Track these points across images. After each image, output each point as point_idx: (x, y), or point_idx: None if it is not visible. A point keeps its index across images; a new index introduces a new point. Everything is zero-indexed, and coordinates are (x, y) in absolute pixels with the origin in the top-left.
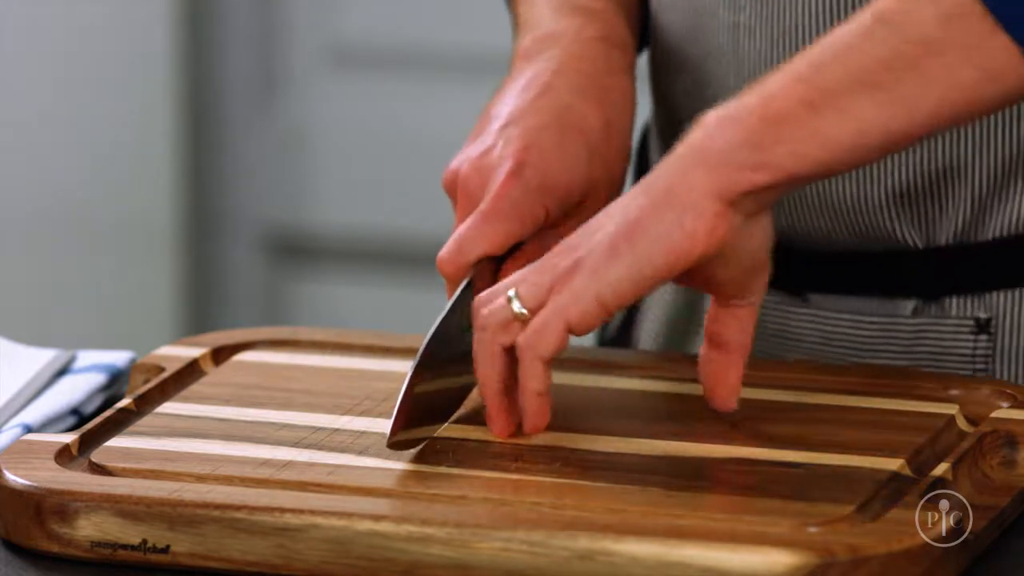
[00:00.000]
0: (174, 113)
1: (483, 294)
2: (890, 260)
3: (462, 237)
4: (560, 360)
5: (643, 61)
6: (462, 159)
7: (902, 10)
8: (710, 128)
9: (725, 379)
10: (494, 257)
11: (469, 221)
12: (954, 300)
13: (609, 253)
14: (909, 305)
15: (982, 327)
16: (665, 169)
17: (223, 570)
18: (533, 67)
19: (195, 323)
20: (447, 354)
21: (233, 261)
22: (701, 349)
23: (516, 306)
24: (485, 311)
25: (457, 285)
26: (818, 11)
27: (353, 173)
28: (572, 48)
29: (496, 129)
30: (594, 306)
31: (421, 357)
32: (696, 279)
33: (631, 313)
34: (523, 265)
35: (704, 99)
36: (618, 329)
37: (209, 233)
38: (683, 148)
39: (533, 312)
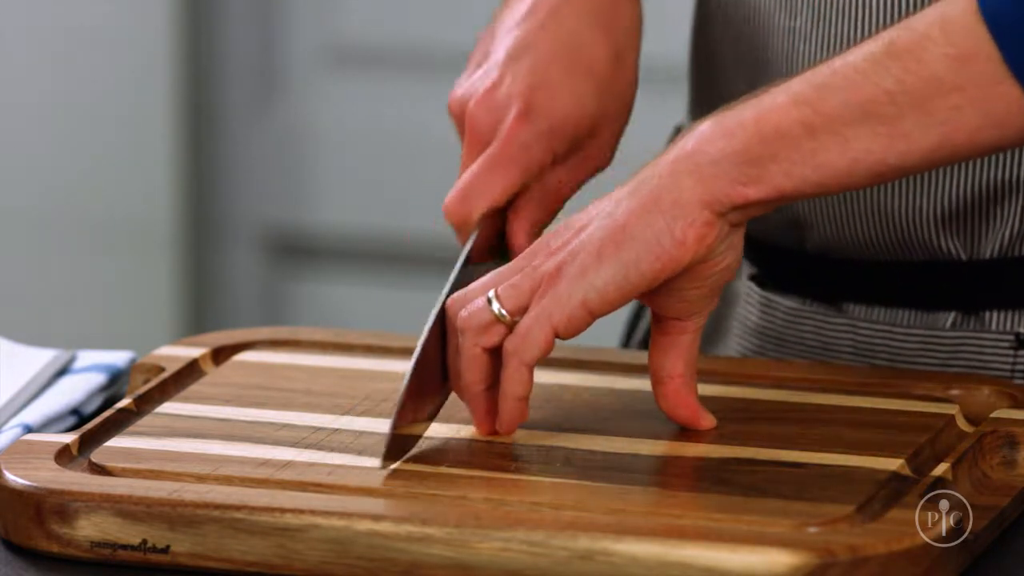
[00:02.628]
0: (174, 113)
1: (459, 294)
2: (931, 271)
3: (468, 185)
4: (562, 360)
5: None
6: (469, 90)
7: (915, 45)
8: (704, 136)
9: (683, 407)
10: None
11: (476, 167)
12: (994, 314)
13: (595, 257)
14: (948, 317)
15: (1022, 342)
16: (654, 174)
17: (223, 570)
18: None
19: (195, 323)
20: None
21: (233, 261)
22: (652, 385)
23: (496, 308)
24: (464, 313)
25: (465, 235)
26: (873, 18)
27: (353, 173)
28: None
29: (503, 60)
30: (580, 311)
31: (430, 329)
32: (660, 292)
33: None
34: (526, 215)
35: None
36: (645, 333)
37: (209, 233)
38: (675, 154)
39: (513, 315)
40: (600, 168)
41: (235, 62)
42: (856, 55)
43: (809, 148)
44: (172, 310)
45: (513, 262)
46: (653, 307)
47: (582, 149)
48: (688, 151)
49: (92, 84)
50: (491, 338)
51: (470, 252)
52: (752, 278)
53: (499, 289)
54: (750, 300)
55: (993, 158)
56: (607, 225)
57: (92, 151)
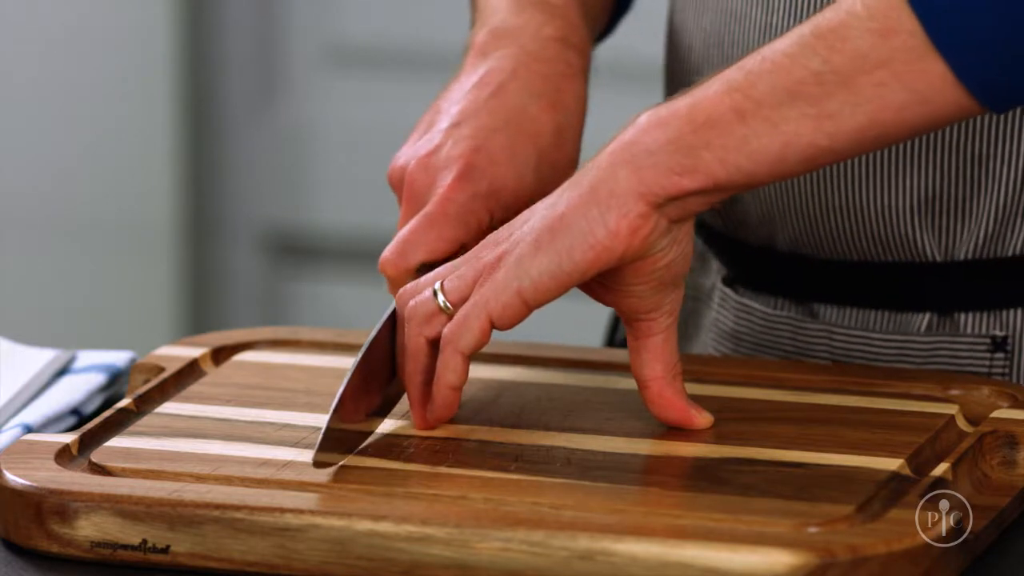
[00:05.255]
0: (174, 113)
1: (409, 285)
2: (905, 272)
3: (405, 240)
4: (562, 360)
5: (649, 61)
6: (409, 155)
7: (839, 24)
8: (640, 127)
9: (669, 408)
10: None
11: (413, 223)
12: (968, 317)
13: (532, 246)
14: (922, 320)
15: (998, 345)
16: (594, 165)
17: (223, 570)
18: (487, 64)
19: (195, 323)
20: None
21: (233, 261)
22: (639, 391)
23: (440, 299)
24: (412, 303)
25: (399, 286)
26: None
27: (353, 173)
28: (530, 47)
29: (446, 128)
30: (516, 300)
31: (361, 360)
32: (610, 288)
33: None
34: None
35: None
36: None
37: (209, 233)
38: (613, 145)
39: (457, 305)
40: None
41: (235, 62)
42: (786, 39)
43: (741, 134)
44: (172, 310)
45: (463, 256)
46: (606, 304)
47: None
48: (625, 142)
49: (92, 84)
50: (434, 328)
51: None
52: (724, 280)
53: (445, 280)
54: (725, 304)
55: (962, 149)
56: (547, 215)
57: (92, 151)
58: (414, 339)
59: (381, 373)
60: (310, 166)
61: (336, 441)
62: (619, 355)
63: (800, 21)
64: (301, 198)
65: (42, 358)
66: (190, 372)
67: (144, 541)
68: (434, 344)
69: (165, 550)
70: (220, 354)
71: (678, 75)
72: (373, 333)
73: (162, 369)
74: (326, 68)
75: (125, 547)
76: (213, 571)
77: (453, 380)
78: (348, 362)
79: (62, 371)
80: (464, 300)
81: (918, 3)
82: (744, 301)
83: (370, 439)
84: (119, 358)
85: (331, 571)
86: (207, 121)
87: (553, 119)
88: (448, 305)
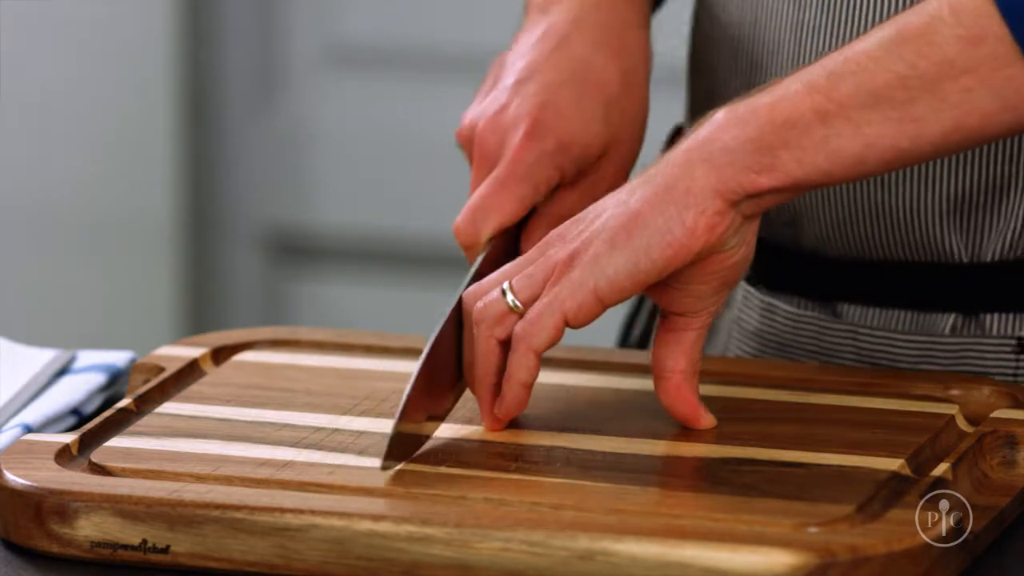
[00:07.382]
0: (174, 113)
1: (474, 287)
2: (931, 273)
3: (477, 206)
4: (562, 360)
5: (662, 63)
6: (477, 114)
7: (926, 28)
8: (718, 125)
9: (682, 403)
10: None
11: (484, 188)
12: (994, 318)
13: (608, 245)
14: (947, 320)
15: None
16: (669, 162)
17: (223, 570)
18: (549, 18)
19: (195, 323)
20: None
21: (233, 261)
22: (654, 380)
23: (510, 299)
24: (480, 304)
25: (474, 253)
26: (881, 9)
27: (353, 173)
28: (588, 1)
29: (512, 84)
30: (591, 298)
31: (440, 332)
32: (670, 286)
33: (653, 317)
34: (540, 233)
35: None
36: (641, 334)
37: (209, 233)
38: (689, 142)
39: (527, 305)
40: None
41: (235, 62)
42: (869, 41)
43: (821, 135)
44: (172, 310)
45: (528, 253)
46: (660, 303)
47: (593, 173)
48: (701, 139)
49: (92, 84)
50: (505, 329)
51: (478, 270)
52: (748, 280)
53: (513, 280)
54: (749, 304)
55: (994, 151)
56: (620, 213)
57: (92, 151)
58: (485, 340)
59: (444, 375)
60: (310, 166)
61: (398, 446)
62: (619, 356)
63: (832, 18)
64: (301, 198)
65: (42, 358)
66: (190, 372)
67: (144, 541)
68: (505, 344)
69: (165, 550)
70: (220, 354)
71: (703, 73)
72: (435, 334)
73: (162, 369)
74: (326, 68)
75: (125, 547)
76: (213, 571)
77: (526, 378)
78: (348, 362)
79: (62, 371)
80: (534, 299)
81: (1008, 9)
82: (769, 300)
83: (427, 443)
84: (119, 358)
85: (331, 571)
86: (207, 121)
87: (619, 67)
88: (518, 304)
